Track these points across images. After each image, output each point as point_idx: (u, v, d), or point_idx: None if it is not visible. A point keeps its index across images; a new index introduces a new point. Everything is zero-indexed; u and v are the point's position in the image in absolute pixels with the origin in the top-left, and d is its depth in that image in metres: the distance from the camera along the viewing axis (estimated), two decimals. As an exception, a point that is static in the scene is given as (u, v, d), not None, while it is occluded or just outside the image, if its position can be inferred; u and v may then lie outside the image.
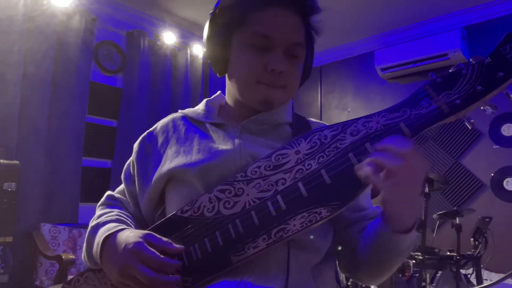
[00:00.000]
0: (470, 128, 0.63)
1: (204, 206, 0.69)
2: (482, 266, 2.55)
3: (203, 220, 0.69)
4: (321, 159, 0.66)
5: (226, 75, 0.85)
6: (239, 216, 0.66)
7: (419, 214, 0.65)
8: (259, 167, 0.68)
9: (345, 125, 0.68)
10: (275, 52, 0.75)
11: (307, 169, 0.66)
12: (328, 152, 0.66)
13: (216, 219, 0.68)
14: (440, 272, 2.56)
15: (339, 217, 0.79)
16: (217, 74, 0.86)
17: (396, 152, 0.58)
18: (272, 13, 0.75)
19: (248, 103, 0.81)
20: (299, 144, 0.69)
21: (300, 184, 0.65)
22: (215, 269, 0.66)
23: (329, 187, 0.63)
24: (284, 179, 0.66)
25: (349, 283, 2.55)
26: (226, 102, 0.89)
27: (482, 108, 0.65)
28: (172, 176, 0.77)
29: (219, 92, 0.94)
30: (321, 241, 0.74)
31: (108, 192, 0.90)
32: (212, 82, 4.15)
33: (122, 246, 0.67)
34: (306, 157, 0.67)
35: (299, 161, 0.67)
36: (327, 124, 0.75)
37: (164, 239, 0.68)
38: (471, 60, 0.65)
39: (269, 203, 0.65)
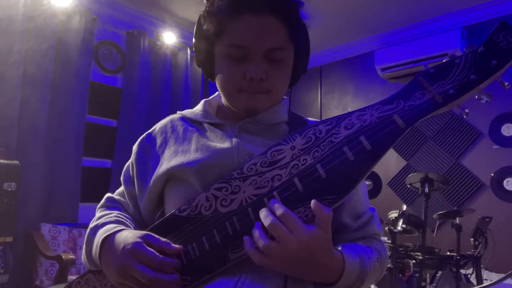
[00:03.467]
0: (465, 117, 0.62)
1: (202, 205, 0.69)
2: (482, 266, 2.55)
3: (200, 219, 0.69)
4: (316, 153, 0.66)
5: None
6: (236, 213, 0.66)
7: (332, 275, 0.66)
8: (255, 164, 0.68)
9: (340, 119, 0.68)
10: (253, 60, 0.74)
11: (302, 164, 0.66)
12: (323, 146, 0.66)
13: (214, 217, 0.68)
14: (440, 272, 2.56)
15: (342, 227, 0.79)
16: (210, 80, 0.87)
17: (269, 226, 0.60)
18: (245, 22, 0.73)
19: (234, 109, 0.82)
20: (294, 140, 0.69)
21: (295, 180, 0.65)
22: (213, 267, 0.66)
23: (324, 181, 0.63)
24: (280, 175, 0.66)
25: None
26: (223, 103, 0.89)
27: (476, 97, 0.65)
28: (170, 175, 0.77)
29: (217, 92, 0.94)
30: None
31: (108, 194, 0.91)
32: (211, 82, 4.14)
33: (121, 247, 0.67)
34: (301, 152, 0.67)
35: (294, 156, 0.67)
36: None
37: (163, 239, 0.68)
38: (465, 49, 0.65)
39: (265, 200, 0.65)
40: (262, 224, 0.61)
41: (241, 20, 0.73)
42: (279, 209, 0.61)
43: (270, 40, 0.74)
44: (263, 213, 0.62)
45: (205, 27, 0.79)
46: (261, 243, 0.60)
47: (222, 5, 0.75)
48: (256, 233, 0.61)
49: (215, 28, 0.76)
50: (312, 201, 0.61)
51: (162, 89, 3.75)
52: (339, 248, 0.69)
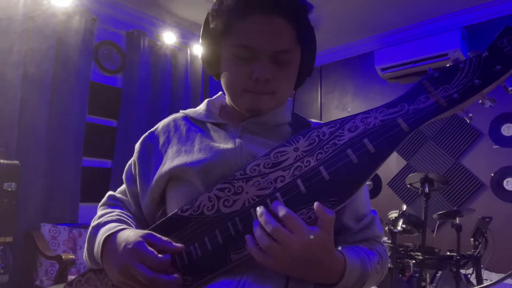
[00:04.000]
0: (468, 122, 0.63)
1: (204, 205, 0.69)
2: (482, 266, 2.55)
3: (203, 219, 0.68)
4: (319, 155, 0.66)
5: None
6: (239, 214, 0.66)
7: (333, 276, 0.66)
8: (258, 165, 0.68)
9: (343, 121, 0.68)
10: (259, 60, 0.74)
11: (305, 166, 0.66)
12: (326, 148, 0.66)
13: (216, 218, 0.68)
14: (440, 272, 2.56)
15: (343, 229, 0.79)
16: (215, 78, 0.87)
17: (271, 232, 0.60)
18: (253, 22, 0.73)
19: (238, 109, 0.82)
20: (297, 142, 0.69)
21: (299, 181, 0.65)
22: (215, 268, 0.66)
23: (327, 183, 0.64)
24: (283, 176, 0.66)
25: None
26: (226, 103, 0.89)
27: (480, 102, 0.65)
28: (173, 175, 0.77)
29: (220, 92, 0.94)
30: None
31: (110, 192, 0.90)
32: (212, 82, 4.15)
33: (123, 246, 0.67)
34: (304, 154, 0.67)
35: (297, 158, 0.67)
36: None
37: (164, 238, 0.68)
38: (469, 54, 0.65)
39: (268, 201, 0.65)
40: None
41: (250, 20, 0.73)
42: (282, 210, 0.61)
43: (278, 42, 0.74)
44: (263, 218, 0.61)
45: (212, 25, 0.79)
46: (263, 243, 0.60)
47: (231, 4, 0.74)
48: (257, 232, 0.61)
49: (223, 27, 0.76)
50: (315, 203, 0.61)
51: (162, 89, 3.75)
52: (340, 249, 0.69)
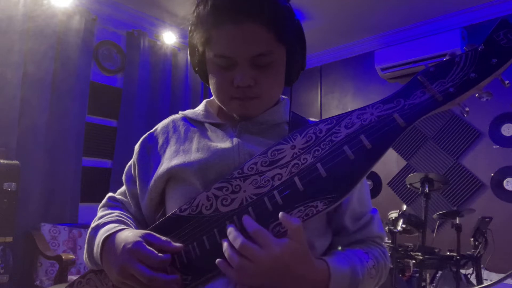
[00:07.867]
0: (465, 116, 0.62)
1: (202, 204, 0.69)
2: (482, 266, 2.55)
3: (201, 218, 0.69)
4: (316, 152, 0.66)
5: None
6: (237, 212, 0.66)
7: (316, 285, 0.65)
8: (255, 163, 0.68)
9: (340, 118, 0.68)
10: (239, 68, 0.74)
11: (302, 163, 0.66)
12: (323, 145, 0.66)
13: (214, 217, 0.68)
14: (440, 272, 2.56)
15: (341, 229, 0.79)
16: (206, 84, 0.87)
17: (239, 248, 0.60)
18: (226, 32, 0.72)
19: (231, 114, 0.82)
20: (294, 139, 0.69)
21: (296, 179, 0.65)
22: (214, 266, 0.66)
23: (325, 180, 0.63)
24: (280, 174, 0.66)
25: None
26: None
27: (477, 95, 0.64)
28: (171, 175, 0.77)
29: None
30: (319, 240, 0.75)
31: (110, 194, 0.91)
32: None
33: (121, 246, 0.67)
34: (301, 151, 0.67)
35: (294, 155, 0.67)
36: None
37: (163, 238, 0.68)
38: (465, 48, 0.64)
39: (265, 199, 0.65)
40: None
41: (224, 30, 0.72)
42: (251, 226, 0.62)
43: (254, 47, 0.72)
44: (231, 235, 0.62)
45: (194, 35, 0.79)
46: (234, 262, 0.60)
47: (204, 16, 0.74)
48: (227, 252, 0.61)
49: (201, 38, 0.76)
50: (280, 214, 0.62)
51: (162, 89, 3.75)
52: (325, 257, 0.69)
